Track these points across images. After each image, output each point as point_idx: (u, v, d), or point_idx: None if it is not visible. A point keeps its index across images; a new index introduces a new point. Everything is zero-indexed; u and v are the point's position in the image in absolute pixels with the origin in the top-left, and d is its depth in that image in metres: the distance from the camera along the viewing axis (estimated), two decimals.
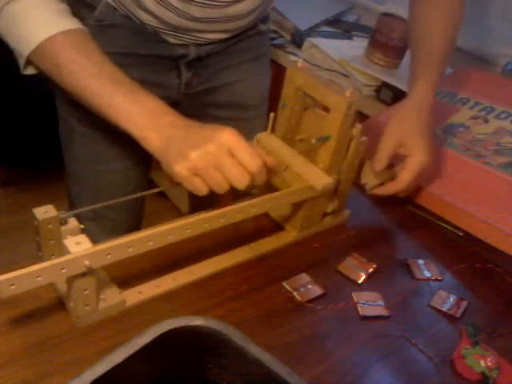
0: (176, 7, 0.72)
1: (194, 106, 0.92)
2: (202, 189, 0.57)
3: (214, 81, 0.90)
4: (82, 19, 0.77)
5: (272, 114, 0.66)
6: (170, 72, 0.85)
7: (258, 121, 0.99)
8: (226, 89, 0.92)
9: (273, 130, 0.69)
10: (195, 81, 0.88)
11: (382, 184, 0.79)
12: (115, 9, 0.76)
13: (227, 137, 0.56)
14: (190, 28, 0.77)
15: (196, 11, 0.73)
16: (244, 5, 0.76)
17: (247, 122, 0.96)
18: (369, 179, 0.79)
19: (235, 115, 0.95)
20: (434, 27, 0.84)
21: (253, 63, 0.93)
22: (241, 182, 0.56)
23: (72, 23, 0.65)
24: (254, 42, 0.91)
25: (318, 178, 0.64)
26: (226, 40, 0.84)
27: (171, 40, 0.80)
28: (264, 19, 0.90)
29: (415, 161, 0.74)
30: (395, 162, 0.78)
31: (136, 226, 0.99)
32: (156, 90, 0.84)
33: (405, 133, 0.76)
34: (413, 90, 0.81)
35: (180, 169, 0.56)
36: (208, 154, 0.56)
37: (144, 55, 0.81)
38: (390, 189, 0.77)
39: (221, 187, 0.57)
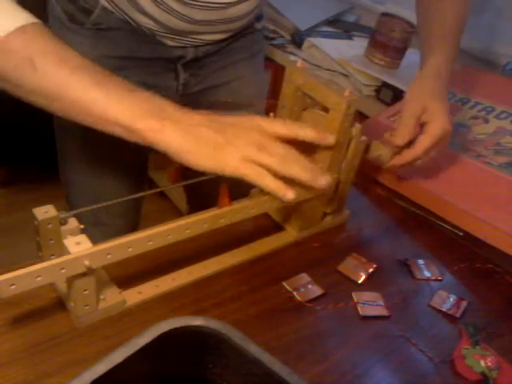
0: (177, 11, 0.72)
1: (192, 107, 0.92)
2: (261, 171, 0.52)
3: (211, 80, 0.90)
4: (79, 23, 0.77)
5: (271, 115, 0.66)
6: (167, 74, 0.85)
7: None
8: (223, 88, 0.92)
9: None
10: (192, 81, 0.88)
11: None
12: (112, 12, 0.76)
13: (257, 118, 0.55)
14: (189, 31, 0.77)
15: (197, 14, 0.73)
16: (244, 5, 0.76)
17: None
18: (382, 150, 0.75)
19: (234, 114, 0.96)
20: (446, 10, 0.82)
21: (249, 61, 0.93)
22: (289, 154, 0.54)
23: (35, 18, 0.54)
24: (249, 40, 0.91)
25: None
26: (223, 40, 0.84)
27: (169, 43, 0.80)
28: (258, 17, 0.91)
29: (436, 126, 0.71)
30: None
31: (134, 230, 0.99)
32: (155, 92, 0.84)
33: (425, 98, 0.73)
34: (427, 62, 0.78)
35: (231, 160, 0.51)
36: (251, 137, 0.53)
37: (142, 58, 0.81)
38: (407, 156, 0.73)
39: (277, 158, 0.52)
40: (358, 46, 1.42)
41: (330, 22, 1.56)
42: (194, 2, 0.71)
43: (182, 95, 0.89)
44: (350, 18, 1.63)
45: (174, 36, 0.79)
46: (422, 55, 0.82)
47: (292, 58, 1.40)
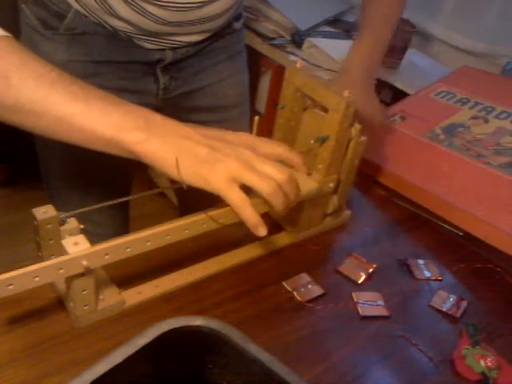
0: (152, 13, 0.71)
1: (175, 112, 0.90)
2: (243, 200, 0.51)
3: (191, 83, 0.89)
4: (52, 29, 0.75)
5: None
6: (147, 78, 0.83)
7: (241, 121, 0.98)
8: (204, 91, 0.91)
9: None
10: (173, 84, 0.86)
11: None
12: (86, 16, 0.74)
13: (246, 136, 0.55)
14: (165, 32, 0.76)
15: (172, 16, 0.72)
16: (218, 4, 0.75)
17: (230, 122, 0.95)
18: None
19: (217, 118, 0.94)
20: (374, 14, 0.89)
21: (229, 62, 0.92)
22: (279, 174, 0.52)
23: (5, 32, 0.52)
24: (228, 40, 0.90)
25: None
26: (201, 41, 0.83)
27: (147, 45, 0.78)
28: (237, 17, 0.90)
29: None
30: None
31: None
32: (134, 97, 0.82)
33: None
34: (350, 51, 0.87)
35: (218, 178, 0.50)
36: (241, 154, 0.52)
37: (119, 62, 0.79)
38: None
39: (269, 183, 0.51)
40: None
41: (330, 22, 1.56)
42: (168, 4, 0.70)
43: (163, 99, 0.87)
44: (350, 18, 1.63)
45: (151, 38, 0.77)
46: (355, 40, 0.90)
47: (292, 57, 1.39)
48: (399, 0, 0.90)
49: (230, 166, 0.50)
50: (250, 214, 0.52)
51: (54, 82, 0.49)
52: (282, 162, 0.55)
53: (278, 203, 0.53)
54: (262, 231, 0.53)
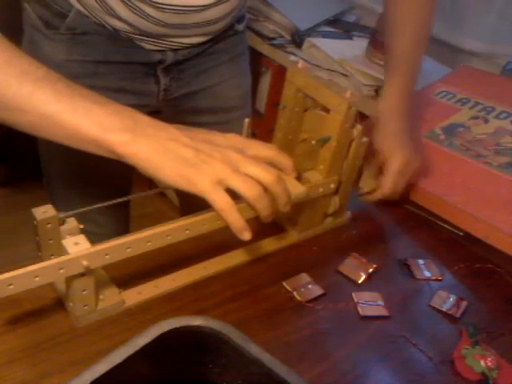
0: (151, 16, 0.71)
1: (175, 114, 0.90)
2: (228, 204, 0.50)
3: (193, 85, 0.88)
4: (54, 28, 0.75)
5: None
6: (147, 78, 0.83)
7: (242, 123, 0.97)
8: (206, 92, 0.90)
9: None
10: (174, 85, 0.86)
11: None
12: (87, 16, 0.74)
13: (235, 138, 0.54)
14: (166, 34, 0.76)
15: (172, 18, 0.72)
16: (220, 8, 0.75)
17: (231, 124, 0.94)
18: (364, 185, 0.80)
19: (218, 120, 0.94)
20: (401, 29, 0.82)
21: (231, 64, 0.91)
22: (267, 176, 0.51)
23: None
24: (230, 42, 0.89)
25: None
26: (203, 43, 0.83)
27: (147, 46, 0.78)
28: (240, 19, 0.89)
29: (392, 164, 0.75)
30: None
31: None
32: (135, 97, 0.82)
33: (378, 142, 0.77)
34: (382, 98, 0.83)
35: (203, 180, 0.49)
36: (228, 156, 0.50)
37: (120, 62, 0.79)
38: (376, 195, 0.78)
39: (253, 187, 0.50)
40: (358, 45, 1.41)
41: (330, 22, 1.56)
42: (168, 7, 0.70)
43: (164, 101, 0.87)
44: (350, 18, 1.63)
45: (151, 39, 0.77)
46: (384, 79, 0.85)
47: (292, 58, 1.40)
48: (428, 2, 0.83)
49: (215, 169, 0.49)
50: (234, 218, 0.51)
51: (38, 80, 0.48)
52: (271, 164, 0.54)
53: (263, 208, 0.52)
54: (247, 235, 0.52)
